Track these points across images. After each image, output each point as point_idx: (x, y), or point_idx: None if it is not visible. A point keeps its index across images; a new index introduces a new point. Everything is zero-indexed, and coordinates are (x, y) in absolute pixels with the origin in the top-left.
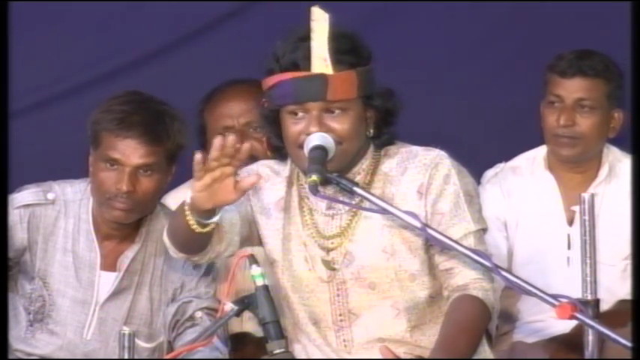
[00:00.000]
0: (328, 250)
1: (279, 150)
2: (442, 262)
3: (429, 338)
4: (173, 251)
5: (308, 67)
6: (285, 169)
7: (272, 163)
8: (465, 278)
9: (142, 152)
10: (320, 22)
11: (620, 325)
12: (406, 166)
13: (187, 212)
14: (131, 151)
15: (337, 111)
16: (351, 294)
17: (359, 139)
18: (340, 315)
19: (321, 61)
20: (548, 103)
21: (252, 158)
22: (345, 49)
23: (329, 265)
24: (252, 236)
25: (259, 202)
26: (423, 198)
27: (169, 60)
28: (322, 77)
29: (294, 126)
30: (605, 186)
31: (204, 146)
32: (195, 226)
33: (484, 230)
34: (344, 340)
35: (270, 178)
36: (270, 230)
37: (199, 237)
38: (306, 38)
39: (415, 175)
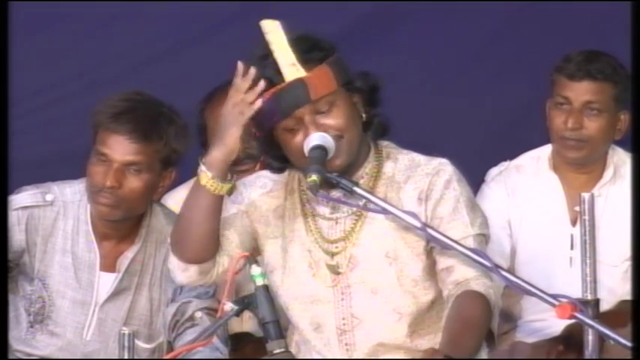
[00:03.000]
0: (332, 255)
1: (282, 171)
2: (442, 261)
3: (428, 342)
4: (181, 267)
5: (282, 80)
6: (282, 177)
7: (269, 173)
8: (466, 274)
9: (129, 149)
10: (273, 32)
11: (622, 325)
12: (409, 175)
13: (205, 173)
14: (119, 147)
15: (327, 107)
16: (354, 298)
17: (357, 127)
18: (343, 319)
19: (291, 67)
20: (556, 105)
21: (253, 157)
22: (306, 48)
23: (334, 269)
24: (257, 246)
25: (256, 211)
26: (423, 204)
27: (171, 63)
28: (299, 82)
29: (293, 139)
30: (609, 187)
31: (205, 146)
32: (215, 186)
33: (485, 237)
34: (346, 344)
35: (268, 186)
36: (269, 238)
37: (215, 211)
38: (266, 55)
39: (417, 183)
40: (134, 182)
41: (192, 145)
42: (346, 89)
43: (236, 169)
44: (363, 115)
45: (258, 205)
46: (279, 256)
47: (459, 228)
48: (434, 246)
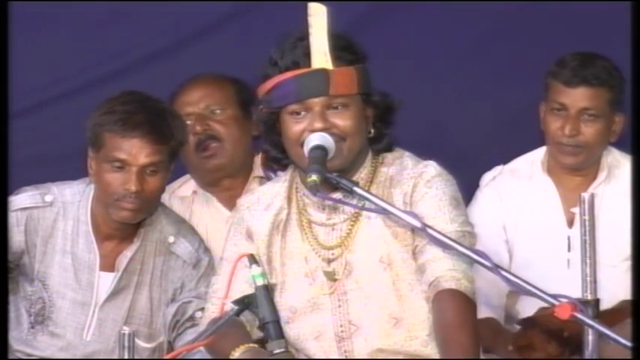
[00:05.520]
0: (329, 261)
1: (278, 161)
2: (417, 259)
3: (430, 350)
4: None
5: (308, 65)
6: (282, 186)
7: (268, 189)
8: (435, 272)
9: (148, 151)
10: (318, 16)
11: (618, 322)
12: (398, 180)
13: None
14: (137, 150)
15: (339, 107)
16: (351, 305)
17: (361, 136)
18: (341, 326)
19: (321, 55)
20: (551, 110)
21: (216, 139)
22: (342, 46)
23: (331, 276)
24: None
25: (258, 237)
26: (408, 207)
27: (169, 61)
28: (324, 72)
29: (296, 125)
30: (604, 187)
31: None
32: None
33: (469, 234)
34: (345, 352)
35: (267, 202)
36: (269, 257)
37: None
38: (304, 37)
39: (402, 187)
40: (153, 182)
41: None
42: (363, 100)
43: (216, 188)
44: (372, 131)
45: (259, 232)
46: (277, 272)
47: (439, 225)
48: (417, 244)
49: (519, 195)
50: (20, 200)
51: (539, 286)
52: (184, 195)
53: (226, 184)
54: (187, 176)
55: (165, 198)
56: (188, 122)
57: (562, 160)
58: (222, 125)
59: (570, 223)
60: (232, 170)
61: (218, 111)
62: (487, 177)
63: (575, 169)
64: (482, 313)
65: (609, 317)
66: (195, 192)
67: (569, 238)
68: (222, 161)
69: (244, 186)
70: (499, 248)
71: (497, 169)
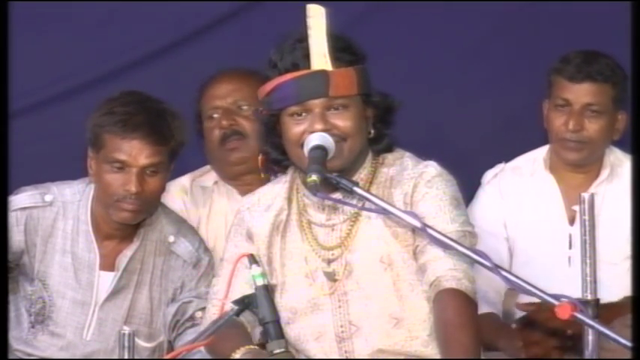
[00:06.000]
0: (329, 262)
1: (278, 163)
2: (418, 259)
3: (431, 350)
4: None
5: (308, 66)
6: (282, 187)
7: (268, 190)
8: (436, 272)
9: (148, 152)
10: (317, 18)
11: (620, 315)
12: (398, 180)
13: None
14: (137, 152)
15: (340, 108)
16: (351, 305)
17: (362, 136)
18: (341, 326)
19: (320, 57)
20: (555, 106)
21: (240, 135)
22: (341, 47)
23: (331, 277)
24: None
25: (259, 238)
26: (408, 207)
27: (169, 60)
28: (323, 73)
29: (296, 126)
30: (606, 185)
31: (202, 133)
32: None
33: (470, 234)
34: (345, 352)
35: (267, 203)
36: (269, 257)
37: None
38: (303, 39)
39: (403, 187)
40: (153, 183)
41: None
42: (363, 100)
43: (237, 182)
44: (372, 131)
45: (259, 233)
46: (277, 273)
47: (439, 225)
48: (417, 244)
49: (521, 192)
50: (20, 200)
51: (540, 284)
52: (206, 185)
53: (248, 180)
54: (209, 167)
55: (187, 185)
56: (215, 116)
57: (565, 156)
58: (249, 121)
59: (572, 221)
60: (254, 166)
61: (245, 107)
62: (489, 174)
63: (578, 166)
64: (481, 308)
65: (610, 311)
66: (216, 182)
67: (570, 236)
68: (245, 155)
69: (265, 182)
70: (500, 245)
71: (499, 167)
